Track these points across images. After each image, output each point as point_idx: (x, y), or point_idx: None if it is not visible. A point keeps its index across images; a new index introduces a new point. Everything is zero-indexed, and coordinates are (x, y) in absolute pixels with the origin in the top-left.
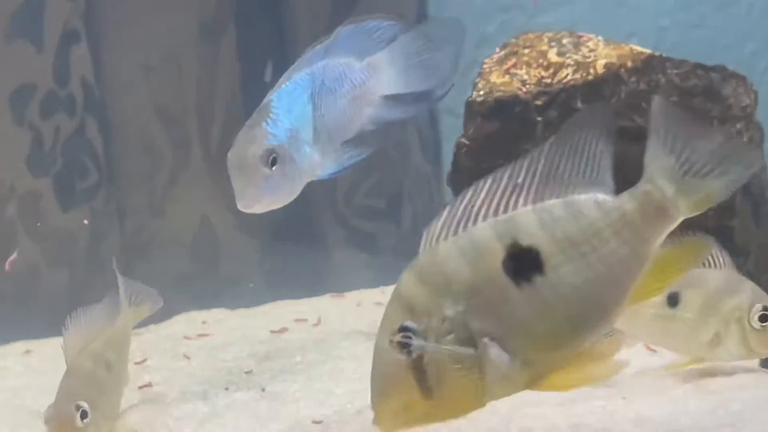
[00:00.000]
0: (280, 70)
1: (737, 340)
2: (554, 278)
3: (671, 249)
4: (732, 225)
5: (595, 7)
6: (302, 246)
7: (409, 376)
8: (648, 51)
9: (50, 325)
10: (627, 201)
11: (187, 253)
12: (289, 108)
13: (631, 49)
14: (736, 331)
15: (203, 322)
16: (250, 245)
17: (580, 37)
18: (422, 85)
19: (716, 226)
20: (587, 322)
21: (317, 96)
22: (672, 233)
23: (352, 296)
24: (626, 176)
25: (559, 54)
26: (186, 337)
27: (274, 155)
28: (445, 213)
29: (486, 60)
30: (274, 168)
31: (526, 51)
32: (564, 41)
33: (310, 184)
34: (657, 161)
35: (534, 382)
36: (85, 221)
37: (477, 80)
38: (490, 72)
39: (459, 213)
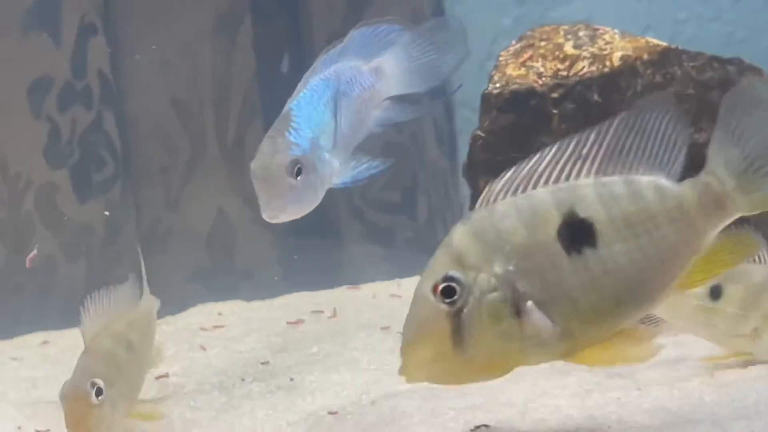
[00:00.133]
0: (295, 63)
1: None
2: (605, 253)
3: (721, 242)
4: None
5: (612, 0)
6: (318, 239)
7: (446, 327)
8: (664, 43)
9: (67, 317)
10: (686, 190)
11: (204, 246)
12: (309, 116)
13: (647, 42)
14: None
15: (219, 314)
16: (266, 238)
17: (596, 29)
18: (425, 85)
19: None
20: (630, 302)
21: (333, 102)
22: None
23: (368, 288)
24: None
25: (575, 46)
26: (202, 329)
27: (299, 165)
28: (507, 174)
29: (502, 52)
30: (299, 178)
31: (543, 43)
32: (580, 34)
33: None
34: (721, 153)
35: (569, 353)
36: (106, 212)
37: (493, 73)
38: (506, 64)
39: (521, 175)
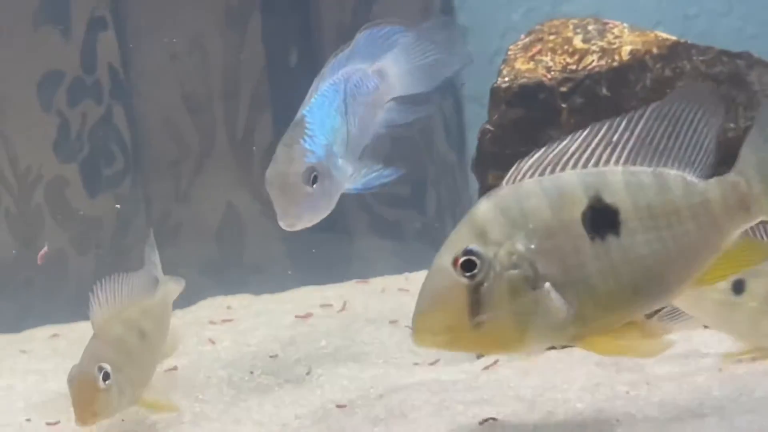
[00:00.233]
0: (305, 56)
1: None
2: (627, 242)
3: (740, 243)
4: None
5: None
6: (327, 232)
7: (463, 299)
8: (673, 38)
9: (77, 310)
10: (713, 188)
11: (213, 239)
12: (322, 122)
13: (657, 36)
14: None
15: (228, 307)
16: (275, 231)
17: (605, 23)
18: (427, 85)
19: None
20: (646, 293)
21: (343, 107)
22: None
23: (377, 282)
24: None
25: (584, 40)
26: (211, 322)
27: (315, 173)
28: (537, 154)
29: (511, 46)
30: (314, 186)
31: (552, 37)
32: (589, 28)
33: None
34: (753, 155)
35: (579, 337)
36: (117, 206)
37: (502, 67)
38: (515, 58)
39: (550, 156)
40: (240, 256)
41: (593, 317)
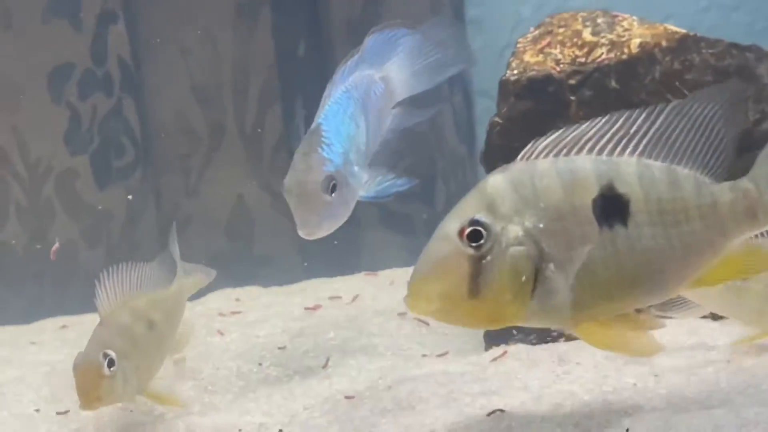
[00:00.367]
0: (314, 50)
1: None
2: (633, 233)
3: (746, 248)
4: None
5: None
6: None
7: (464, 269)
8: (682, 30)
9: (87, 302)
10: (724, 191)
11: (222, 232)
12: (337, 130)
13: (666, 29)
14: None
15: (237, 299)
16: (284, 224)
17: (614, 16)
18: (428, 84)
19: None
20: (645, 287)
21: (356, 114)
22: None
23: (386, 275)
24: None
25: (593, 33)
26: (220, 314)
27: (333, 182)
28: (554, 135)
29: (520, 39)
30: (333, 194)
31: (561, 30)
32: (598, 20)
33: None
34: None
35: (573, 323)
36: (129, 197)
37: (511, 59)
38: (524, 51)
39: (566, 139)
40: (249, 248)
41: (589, 304)
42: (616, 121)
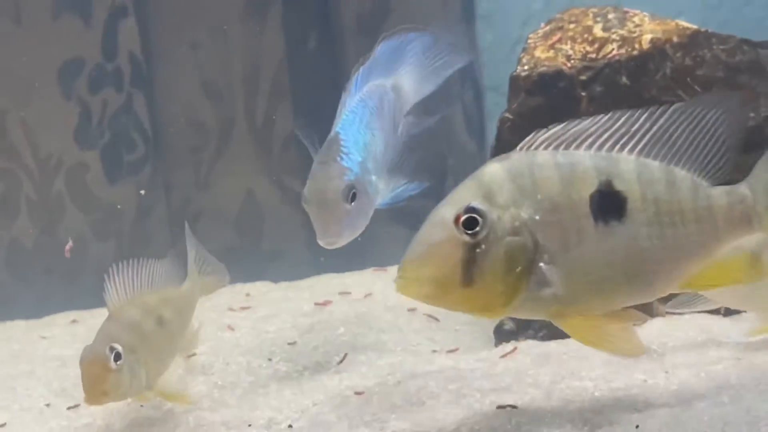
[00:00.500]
0: (324, 45)
1: None
2: (628, 231)
3: (732, 257)
4: None
5: None
6: None
7: (458, 255)
8: (694, 26)
9: (97, 296)
10: (720, 195)
11: (232, 227)
12: (355, 139)
13: (677, 25)
14: None
15: (247, 295)
16: (294, 219)
17: (625, 12)
18: (434, 88)
19: None
20: (636, 285)
21: (371, 123)
22: None
23: (395, 271)
24: None
25: (604, 29)
26: (230, 309)
27: (353, 191)
28: (554, 128)
29: (531, 35)
30: (353, 203)
31: (572, 26)
32: (609, 16)
33: None
34: (766, 173)
35: (561, 316)
36: (142, 191)
37: (522, 55)
38: (535, 47)
39: (567, 133)
40: (259, 243)
41: (579, 299)
42: (618, 119)
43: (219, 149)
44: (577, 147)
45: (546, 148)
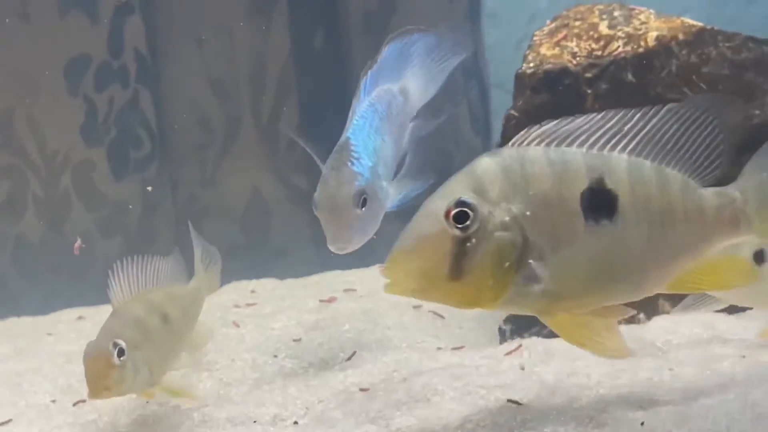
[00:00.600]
0: (330, 42)
1: None
2: (618, 230)
3: (720, 260)
4: None
5: None
6: None
7: (447, 249)
8: (699, 24)
9: (103, 293)
10: (710, 197)
11: (238, 224)
12: (365, 145)
13: (683, 22)
14: None
15: (252, 292)
16: (300, 216)
17: (631, 9)
18: (437, 88)
19: None
20: (623, 284)
21: (381, 128)
22: None
23: None
24: None
25: (610, 26)
26: (236, 306)
27: (364, 196)
28: (547, 125)
29: (536, 32)
30: (363, 208)
31: (577, 23)
32: (615, 14)
33: None
34: (755, 174)
35: (548, 312)
36: (149, 188)
37: (527, 52)
38: (541, 44)
39: (560, 130)
40: (265, 240)
41: (566, 296)
42: (611, 118)
43: (225, 146)
44: (570, 144)
45: (538, 144)
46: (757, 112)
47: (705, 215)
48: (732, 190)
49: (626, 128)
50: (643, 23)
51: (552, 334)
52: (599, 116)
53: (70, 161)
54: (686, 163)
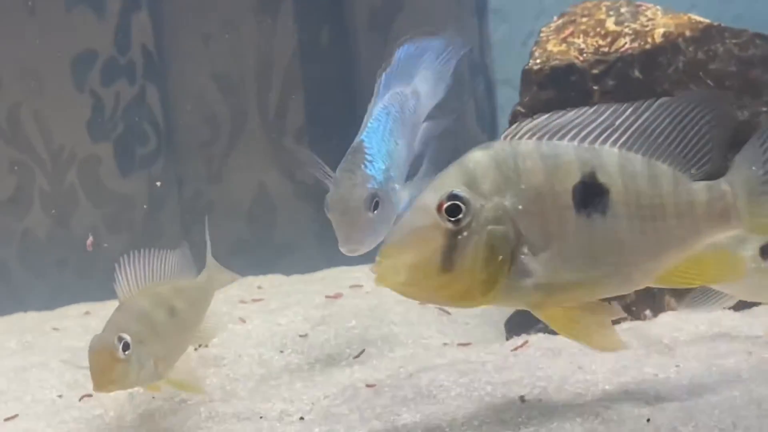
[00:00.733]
0: (336, 38)
1: None
2: (609, 223)
3: (711, 255)
4: None
5: None
6: None
7: (438, 243)
8: (706, 20)
9: (110, 288)
10: (701, 190)
11: (245, 220)
12: (379, 148)
13: (690, 19)
14: None
15: (259, 287)
16: (306, 212)
17: (638, 6)
18: (446, 88)
19: None
20: (614, 277)
21: (395, 131)
22: None
23: None
24: None
25: (617, 23)
26: (242, 302)
27: (376, 199)
28: (539, 119)
29: (543, 28)
30: (375, 211)
31: (584, 19)
32: (622, 10)
33: None
34: (745, 168)
35: (540, 306)
36: (158, 183)
37: (534, 49)
38: (547, 40)
39: (552, 124)
40: (271, 236)
41: (558, 289)
42: (603, 112)
43: (231, 142)
44: (562, 138)
45: (530, 138)
46: (764, 109)
47: (695, 209)
48: (722, 184)
49: (618, 122)
50: (650, 20)
51: None
52: (591, 110)
53: (77, 156)
54: (677, 157)
